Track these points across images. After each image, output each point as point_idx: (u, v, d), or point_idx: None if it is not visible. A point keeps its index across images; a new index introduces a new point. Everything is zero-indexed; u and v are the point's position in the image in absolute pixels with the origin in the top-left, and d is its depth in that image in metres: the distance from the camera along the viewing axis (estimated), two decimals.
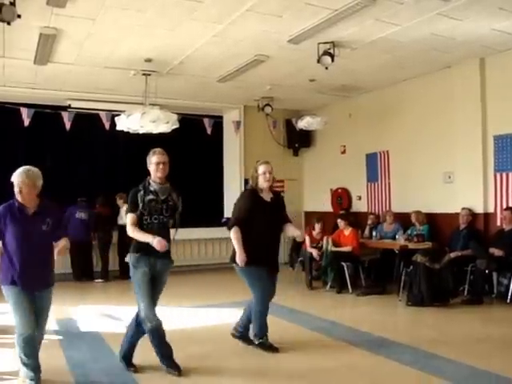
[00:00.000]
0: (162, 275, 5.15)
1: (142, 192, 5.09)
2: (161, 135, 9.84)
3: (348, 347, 5.96)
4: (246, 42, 8.11)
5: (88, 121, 11.21)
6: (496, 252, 8.12)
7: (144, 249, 4.96)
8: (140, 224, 5.03)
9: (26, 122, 10.59)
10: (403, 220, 10.10)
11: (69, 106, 11.10)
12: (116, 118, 9.58)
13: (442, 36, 7.89)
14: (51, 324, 7.13)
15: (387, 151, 11.24)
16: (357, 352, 5.79)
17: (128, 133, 9.65)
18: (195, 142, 12.69)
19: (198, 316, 7.68)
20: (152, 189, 5.12)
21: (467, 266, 8.32)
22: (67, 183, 11.56)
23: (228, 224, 5.84)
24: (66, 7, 6.47)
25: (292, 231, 5.95)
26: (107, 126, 10.91)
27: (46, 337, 6.49)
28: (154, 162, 5.20)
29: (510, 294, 7.96)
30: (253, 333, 5.93)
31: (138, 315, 5.13)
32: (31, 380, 4.60)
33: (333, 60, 8.01)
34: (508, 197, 8.76)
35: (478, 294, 8.08)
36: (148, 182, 5.18)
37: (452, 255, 8.45)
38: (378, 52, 8.61)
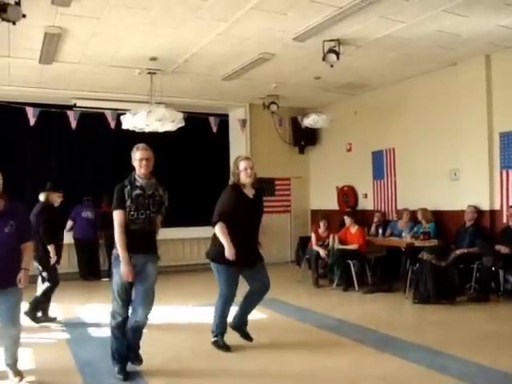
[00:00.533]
0: (146, 268, 5.03)
1: (128, 187, 5.07)
2: (166, 134, 9.84)
3: (354, 345, 5.96)
4: (251, 40, 8.10)
5: (94, 120, 11.21)
6: (502, 249, 8.10)
7: (128, 246, 4.95)
8: (127, 219, 4.99)
9: (32, 122, 10.59)
10: (410, 217, 10.08)
11: (74, 105, 11.10)
12: (122, 117, 9.57)
13: (448, 33, 7.86)
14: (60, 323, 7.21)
15: (393, 149, 11.21)
16: (363, 350, 5.78)
17: (134, 132, 9.65)
18: (201, 141, 12.69)
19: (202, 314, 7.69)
20: (138, 184, 5.10)
21: (473, 263, 8.28)
22: (73, 182, 11.56)
23: (212, 220, 5.71)
24: (71, 6, 6.46)
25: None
26: (113, 124, 10.92)
27: (53, 336, 6.60)
28: (138, 158, 5.16)
29: None
30: (213, 332, 5.88)
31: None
32: None
33: (338, 58, 7.99)
34: None
35: (484, 292, 8.06)
36: (133, 177, 5.16)
37: (458, 252, 8.42)
38: (384, 49, 8.59)
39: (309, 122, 11.47)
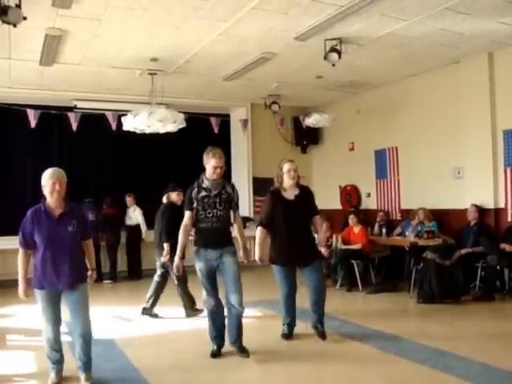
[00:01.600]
0: (224, 260, 5.44)
1: (196, 190, 5.48)
2: (168, 135, 9.83)
3: (359, 345, 5.94)
4: (252, 40, 8.08)
5: (94, 121, 11.17)
6: (507, 247, 8.08)
7: (200, 243, 5.50)
8: (197, 218, 5.46)
9: (33, 124, 10.57)
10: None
11: (75, 107, 11.09)
12: (122, 118, 9.56)
13: (450, 31, 7.82)
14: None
15: (396, 147, 11.18)
16: (368, 350, 5.76)
17: (135, 133, 9.63)
18: (202, 141, 12.57)
19: None
20: (204, 186, 5.47)
21: (478, 262, 8.26)
22: (74, 184, 11.45)
23: (256, 224, 6.30)
24: (72, 8, 6.46)
25: (318, 227, 6.30)
26: (114, 126, 10.88)
27: None
28: (212, 165, 5.45)
29: None
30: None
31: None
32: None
33: (340, 56, 7.95)
34: None
35: (489, 291, 8.03)
36: (202, 179, 5.53)
37: (462, 251, 8.38)
38: (386, 48, 8.55)
39: (311, 121, 11.44)
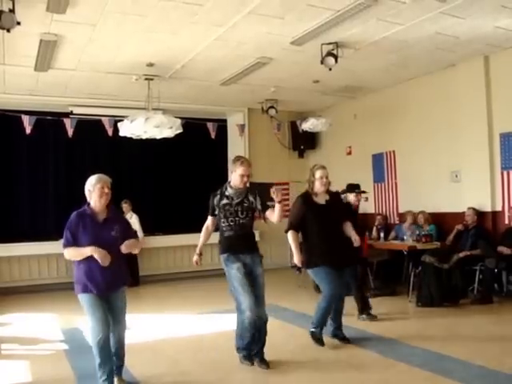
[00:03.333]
0: (255, 269, 5.38)
1: (218, 197, 5.46)
2: (165, 140, 9.80)
3: (358, 350, 5.92)
4: (249, 45, 8.07)
5: (90, 127, 11.14)
6: (505, 250, 8.08)
7: (229, 249, 5.41)
8: (220, 226, 5.47)
9: (28, 130, 10.52)
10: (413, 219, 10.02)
11: (71, 113, 11.04)
12: (119, 124, 9.54)
13: (446, 35, 7.82)
14: (57, 334, 7.14)
15: (393, 151, 11.17)
16: (367, 354, 5.74)
17: (131, 138, 9.60)
18: (199, 147, 12.64)
19: (203, 323, 7.63)
20: (227, 193, 5.42)
21: (476, 265, 8.24)
22: (70, 190, 11.51)
23: (285, 229, 6.13)
24: (66, 13, 6.42)
25: (349, 232, 6.24)
26: (110, 131, 10.85)
27: (51, 347, 6.54)
28: (240, 173, 5.36)
29: None
30: (312, 324, 6.14)
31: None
32: None
33: (336, 61, 7.95)
34: None
35: (487, 294, 8.03)
36: (226, 186, 5.49)
37: (461, 255, 8.35)
38: (382, 52, 8.55)
39: (308, 125, 11.44)
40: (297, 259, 5.97)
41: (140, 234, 11.30)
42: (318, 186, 6.05)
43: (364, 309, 7.33)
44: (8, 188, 11.42)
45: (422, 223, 9.56)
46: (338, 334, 6.23)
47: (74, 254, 4.73)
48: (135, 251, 5.15)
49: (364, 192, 7.89)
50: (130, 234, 5.12)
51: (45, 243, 10.67)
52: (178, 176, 12.63)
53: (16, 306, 9.06)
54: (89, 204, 4.84)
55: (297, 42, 7.89)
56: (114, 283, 4.86)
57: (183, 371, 5.43)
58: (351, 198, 7.74)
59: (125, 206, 11.32)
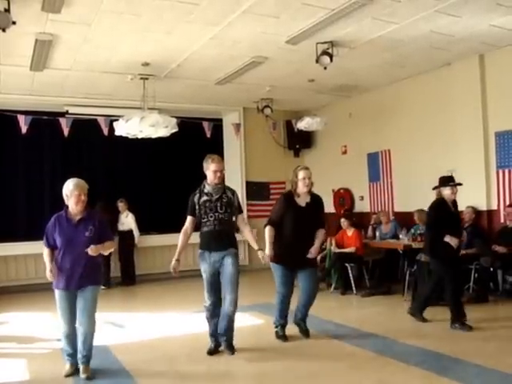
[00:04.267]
0: (225, 261, 5.66)
1: (197, 195, 5.71)
2: (160, 139, 9.80)
3: (353, 349, 5.93)
4: (244, 44, 8.06)
5: (86, 126, 11.14)
6: (500, 249, 8.09)
7: (204, 246, 5.75)
8: (200, 222, 5.71)
9: (24, 130, 10.51)
10: (407, 219, 10.03)
11: (66, 112, 11.03)
12: (114, 123, 9.53)
13: (441, 33, 7.83)
14: (54, 332, 7.13)
15: (389, 150, 11.18)
16: (362, 353, 5.75)
17: (127, 138, 9.60)
18: (195, 146, 12.61)
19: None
20: (206, 191, 5.70)
21: (472, 264, 8.26)
22: None
23: (264, 223, 6.36)
24: (62, 13, 6.41)
25: (316, 242, 6.30)
26: (106, 131, 10.85)
27: (48, 345, 6.55)
28: (212, 169, 5.65)
29: None
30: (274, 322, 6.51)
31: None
32: None
33: (331, 60, 7.95)
34: (511, 193, 8.71)
35: (483, 292, 8.06)
36: (204, 185, 5.76)
37: None
38: (377, 51, 8.56)
39: (303, 124, 11.44)
40: (268, 254, 6.05)
41: (136, 232, 11.33)
42: (301, 187, 6.17)
43: (458, 318, 6.68)
44: (4, 187, 11.41)
45: (418, 221, 9.55)
46: (301, 324, 6.51)
47: (46, 258, 5.26)
48: (105, 253, 5.35)
49: (460, 184, 7.19)
50: (107, 234, 5.35)
51: (41, 242, 10.57)
52: (174, 175, 12.63)
53: (13, 305, 9.06)
54: (67, 207, 5.16)
55: (292, 41, 7.89)
56: (82, 281, 5.09)
57: (180, 369, 5.43)
58: (446, 192, 7.00)
59: (121, 205, 11.32)
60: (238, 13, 6.78)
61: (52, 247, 5.20)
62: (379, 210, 11.33)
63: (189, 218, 5.77)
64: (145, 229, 11.54)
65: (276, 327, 6.43)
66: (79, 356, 5.20)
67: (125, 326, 7.38)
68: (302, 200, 6.21)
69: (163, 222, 12.01)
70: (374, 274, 9.54)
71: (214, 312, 5.79)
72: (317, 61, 8.02)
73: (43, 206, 11.60)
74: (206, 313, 5.85)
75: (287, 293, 6.30)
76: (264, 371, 5.28)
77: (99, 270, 5.39)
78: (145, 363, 5.61)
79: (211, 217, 5.61)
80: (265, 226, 6.30)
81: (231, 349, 5.79)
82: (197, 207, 5.67)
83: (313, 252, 6.24)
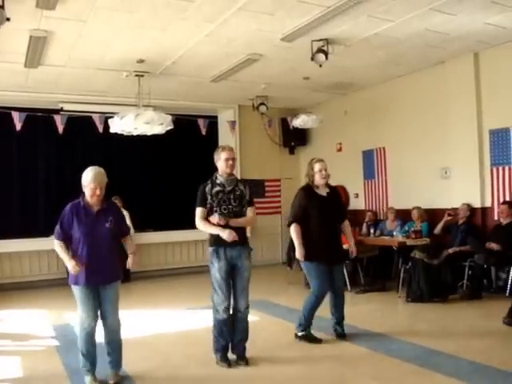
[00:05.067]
0: (241, 262, 5.36)
1: (209, 185, 5.40)
2: (155, 137, 9.81)
3: (348, 345, 5.96)
4: (239, 41, 8.06)
5: (81, 124, 11.10)
6: (494, 246, 8.10)
7: (218, 241, 5.26)
8: (211, 215, 5.29)
9: (18, 127, 10.44)
10: (401, 216, 10.08)
11: (61, 109, 10.99)
12: (109, 121, 9.51)
13: (436, 31, 7.85)
14: (48, 330, 7.13)
15: (383, 148, 11.20)
16: (356, 349, 5.78)
17: (122, 135, 9.59)
18: (190, 143, 12.64)
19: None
20: (218, 181, 5.42)
21: (466, 261, 8.28)
22: (61, 187, 11.50)
23: (287, 222, 6.19)
24: (56, 9, 6.38)
25: (348, 233, 6.42)
26: (100, 128, 10.80)
27: (43, 343, 6.54)
28: (224, 157, 5.42)
29: (508, 287, 7.96)
30: (297, 323, 6.16)
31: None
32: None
33: (327, 57, 7.96)
34: (505, 190, 8.74)
35: (476, 289, 8.08)
36: (215, 176, 5.48)
37: (450, 251, 8.40)
38: (372, 48, 8.57)
39: (298, 122, 11.46)
40: (299, 253, 5.94)
41: (131, 230, 11.30)
42: (318, 179, 6.06)
43: None
44: None
45: (415, 219, 9.59)
46: (337, 329, 6.24)
47: (61, 250, 4.82)
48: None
49: None
50: (125, 227, 5.20)
51: (36, 239, 10.64)
52: (169, 172, 12.63)
53: (7, 303, 9.05)
54: (84, 195, 4.87)
55: (287, 39, 7.89)
56: (107, 276, 4.88)
57: (175, 366, 5.45)
58: None
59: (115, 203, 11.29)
60: (234, 10, 6.78)
61: (65, 240, 4.82)
62: (375, 207, 11.38)
63: (200, 210, 5.33)
64: (140, 226, 11.53)
65: (303, 331, 6.11)
66: (109, 359, 5.00)
67: (121, 322, 7.37)
68: (322, 191, 6.12)
69: (158, 220, 12.02)
70: (368, 271, 9.57)
71: (228, 319, 5.34)
72: (312, 58, 8.02)
73: (37, 203, 11.59)
74: (219, 322, 5.34)
75: (326, 291, 6.06)
76: (258, 369, 5.28)
77: (120, 264, 5.09)
78: (141, 360, 5.60)
79: (225, 209, 5.28)
80: (288, 224, 6.14)
81: (245, 358, 5.44)
82: (209, 198, 5.31)
83: (353, 251, 6.32)
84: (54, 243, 4.84)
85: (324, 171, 6.05)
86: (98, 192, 4.78)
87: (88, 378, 4.83)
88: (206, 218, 5.30)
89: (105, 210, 4.89)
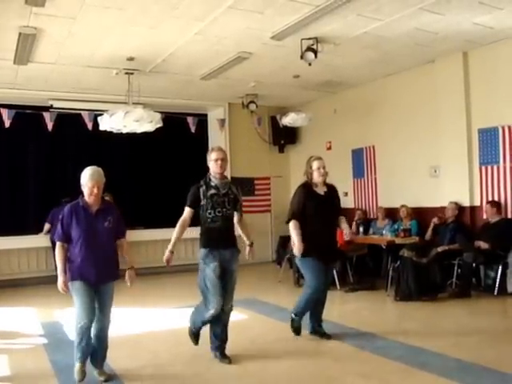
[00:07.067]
0: (232, 264, 5.43)
1: (204, 187, 5.38)
2: (145, 134, 9.78)
3: (336, 343, 5.96)
4: (229, 39, 8.06)
5: (70, 121, 11.07)
6: (482, 245, 8.16)
7: (211, 243, 5.35)
8: (204, 218, 5.36)
9: (7, 123, 10.40)
10: (390, 215, 10.12)
11: (51, 107, 10.95)
12: (99, 118, 9.49)
13: (425, 30, 7.88)
14: (37, 328, 7.11)
15: (373, 146, 11.24)
16: (344, 347, 5.79)
17: (111, 132, 9.56)
18: (179, 141, 12.61)
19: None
20: (213, 184, 5.40)
21: (454, 259, 8.33)
22: (50, 184, 11.46)
23: (286, 219, 6.15)
24: (45, 6, 6.36)
25: (344, 226, 6.34)
26: (90, 126, 10.77)
27: (31, 341, 6.52)
28: (214, 158, 5.42)
29: (497, 286, 8.02)
30: (293, 311, 6.18)
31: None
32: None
33: (316, 56, 7.98)
34: (493, 190, 8.79)
35: (465, 288, 8.11)
36: (208, 177, 5.46)
37: (439, 249, 8.44)
38: (362, 47, 8.59)
39: (288, 120, 11.47)
40: (298, 248, 5.91)
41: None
42: (316, 177, 6.11)
43: None
44: None
45: (403, 217, 9.64)
46: (319, 330, 6.22)
47: (57, 259, 4.85)
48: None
49: None
50: (122, 227, 5.20)
51: (25, 237, 10.61)
52: (159, 170, 12.60)
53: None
54: (83, 195, 4.95)
55: (277, 37, 7.90)
56: (105, 275, 4.92)
57: (162, 364, 5.44)
58: None
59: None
60: (224, 8, 6.78)
61: (67, 241, 4.84)
62: (364, 206, 11.41)
63: (188, 210, 5.39)
64: (130, 223, 11.48)
65: (296, 315, 6.16)
66: (94, 357, 5.02)
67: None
68: (320, 189, 6.16)
69: (148, 217, 11.98)
70: (357, 270, 9.59)
71: (218, 317, 5.37)
72: (301, 57, 8.03)
73: (27, 200, 11.53)
74: (208, 314, 5.36)
75: (321, 285, 6.02)
76: (245, 367, 5.29)
77: (117, 264, 5.13)
78: (128, 358, 5.60)
79: (219, 212, 5.31)
80: (287, 221, 6.11)
81: (228, 358, 5.45)
82: (203, 200, 5.32)
83: (348, 234, 6.33)
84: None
85: (322, 169, 6.11)
86: (95, 191, 4.86)
87: (78, 365, 4.84)
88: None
89: (104, 209, 4.97)
